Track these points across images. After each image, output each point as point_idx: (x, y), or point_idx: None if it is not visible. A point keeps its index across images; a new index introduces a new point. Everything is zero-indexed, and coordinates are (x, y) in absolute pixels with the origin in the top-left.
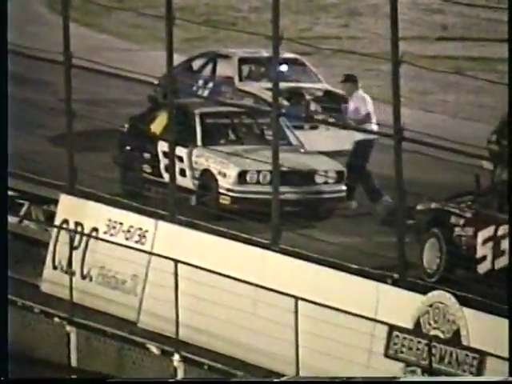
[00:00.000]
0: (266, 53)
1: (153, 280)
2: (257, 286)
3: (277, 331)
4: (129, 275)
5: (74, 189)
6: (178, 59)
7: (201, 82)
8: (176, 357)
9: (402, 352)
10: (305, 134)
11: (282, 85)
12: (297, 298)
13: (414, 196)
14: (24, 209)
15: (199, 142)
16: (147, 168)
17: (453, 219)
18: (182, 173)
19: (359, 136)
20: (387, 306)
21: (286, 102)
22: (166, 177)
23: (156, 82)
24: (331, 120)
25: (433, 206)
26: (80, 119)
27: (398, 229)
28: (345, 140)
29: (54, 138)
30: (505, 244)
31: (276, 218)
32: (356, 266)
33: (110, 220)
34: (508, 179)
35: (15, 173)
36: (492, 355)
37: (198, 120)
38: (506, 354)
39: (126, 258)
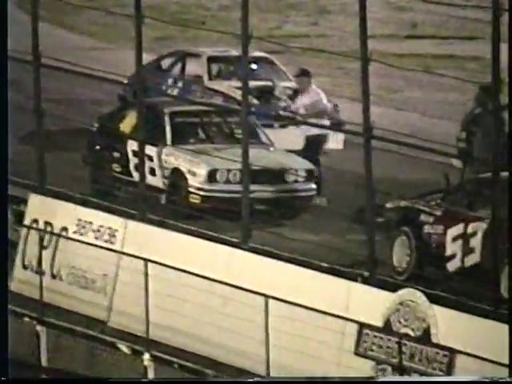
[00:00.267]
0: (235, 51)
1: (123, 279)
2: (227, 284)
3: (247, 330)
4: (99, 274)
5: (43, 188)
6: (147, 58)
7: (170, 81)
8: (146, 356)
9: (372, 350)
10: (275, 133)
11: (252, 83)
12: (267, 297)
13: (384, 194)
14: None
15: (169, 141)
16: (117, 167)
17: (422, 217)
18: (152, 172)
19: (313, 131)
20: (357, 304)
21: (255, 101)
22: (136, 176)
23: (125, 81)
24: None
25: (402, 203)
26: (49, 118)
27: (368, 227)
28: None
29: (22, 137)
30: (474, 241)
31: (246, 216)
32: (326, 264)
33: (79, 219)
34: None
35: None
36: (462, 353)
37: (167, 119)
38: (475, 352)
39: (96, 258)
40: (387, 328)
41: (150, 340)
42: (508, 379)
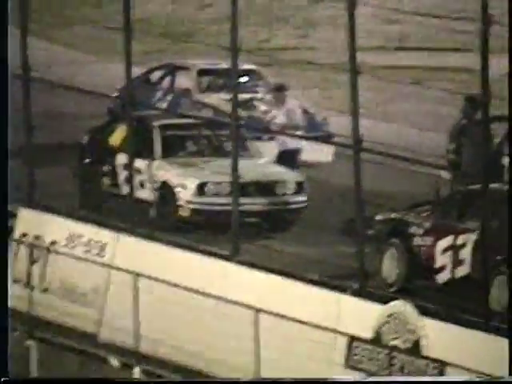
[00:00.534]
0: (224, 64)
1: (113, 293)
2: (217, 298)
3: (237, 343)
4: (89, 288)
5: (32, 202)
6: (136, 71)
7: (159, 94)
8: (136, 370)
9: (362, 362)
10: (264, 145)
11: (241, 96)
12: (257, 310)
13: (374, 206)
14: None
15: (158, 155)
16: (106, 180)
17: (412, 229)
18: (142, 185)
19: (288, 145)
20: (347, 316)
21: (244, 114)
22: (126, 189)
23: (115, 94)
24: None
25: (392, 216)
26: (39, 132)
27: (358, 239)
28: (305, 151)
29: (13, 153)
30: (464, 253)
31: (236, 229)
32: (316, 277)
33: (69, 233)
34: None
35: None
36: (452, 365)
37: (156, 132)
38: (466, 363)
39: (86, 271)
40: (377, 340)
41: (141, 354)
42: (508, 379)
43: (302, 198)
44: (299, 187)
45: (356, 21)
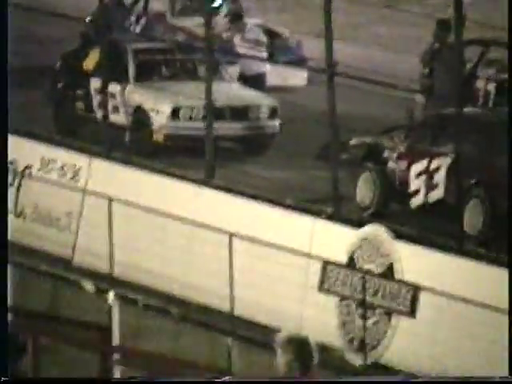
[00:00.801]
0: None
1: (87, 217)
2: (192, 222)
3: (212, 267)
4: (63, 213)
5: (6, 127)
6: None
7: (133, 18)
8: (110, 295)
9: (336, 286)
10: (237, 69)
11: (215, 20)
12: (231, 234)
13: (348, 131)
14: None
15: (132, 79)
16: (80, 105)
17: (386, 153)
18: (116, 110)
19: (253, 69)
20: (322, 240)
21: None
22: (99, 113)
23: (88, 18)
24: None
25: (366, 140)
26: (12, 56)
27: (332, 163)
28: (279, 75)
29: None
30: (438, 177)
31: (210, 154)
32: (291, 201)
33: (43, 158)
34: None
35: None
36: (426, 289)
37: (130, 56)
38: (439, 287)
39: (60, 196)
40: (351, 264)
41: (115, 278)
42: (508, 379)
43: (275, 122)
44: (273, 112)
45: None
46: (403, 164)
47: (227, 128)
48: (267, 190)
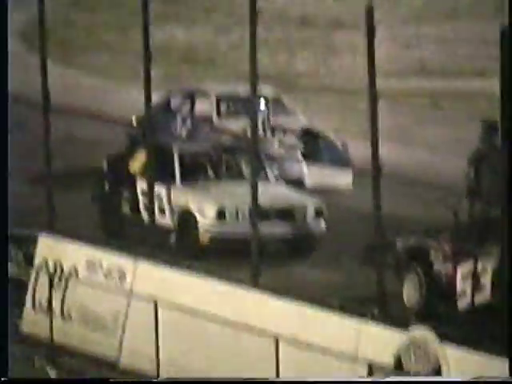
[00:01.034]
0: (243, 90)
1: (133, 320)
2: (236, 324)
3: (258, 372)
4: (109, 315)
5: (53, 229)
6: (156, 96)
7: (179, 120)
8: None
9: None
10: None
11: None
12: (277, 338)
13: (393, 231)
14: None
15: (178, 181)
16: (126, 206)
17: (432, 254)
18: (162, 211)
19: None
20: (368, 342)
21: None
22: (145, 215)
23: (135, 120)
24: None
25: (412, 241)
26: (59, 159)
27: (377, 265)
28: (324, 177)
29: (32, 179)
30: (484, 279)
31: (255, 255)
32: (336, 303)
33: (89, 260)
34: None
35: None
36: None
37: (176, 158)
38: None
39: (106, 298)
40: (398, 367)
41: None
42: (508, 379)
43: (321, 223)
44: (318, 213)
45: (375, 46)
46: (449, 265)
47: (273, 229)
48: (313, 291)
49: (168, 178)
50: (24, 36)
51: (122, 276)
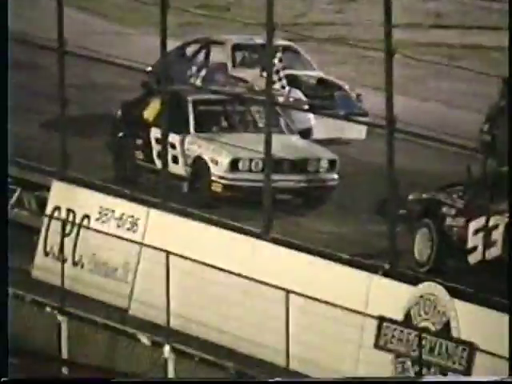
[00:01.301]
0: (259, 39)
1: (144, 268)
2: (247, 278)
3: (267, 322)
4: (120, 263)
5: (66, 175)
6: (171, 44)
7: (194, 69)
8: (166, 348)
9: (391, 343)
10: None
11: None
12: (287, 291)
13: (406, 185)
14: (16, 195)
15: (192, 129)
16: (140, 154)
17: (444, 209)
18: (175, 160)
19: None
20: (378, 296)
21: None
22: (159, 163)
23: (149, 68)
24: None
25: (424, 195)
26: (72, 104)
27: (389, 219)
28: (337, 128)
29: (44, 123)
30: (496, 234)
31: (268, 206)
32: (347, 256)
33: (101, 207)
34: (509, 174)
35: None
36: (481, 349)
37: (190, 107)
38: (494, 346)
39: (118, 246)
40: (407, 321)
41: (170, 330)
42: (508, 379)
43: (334, 175)
44: (332, 165)
45: None
46: (461, 220)
47: (286, 180)
48: (323, 244)
49: (182, 127)
50: None
51: (135, 224)
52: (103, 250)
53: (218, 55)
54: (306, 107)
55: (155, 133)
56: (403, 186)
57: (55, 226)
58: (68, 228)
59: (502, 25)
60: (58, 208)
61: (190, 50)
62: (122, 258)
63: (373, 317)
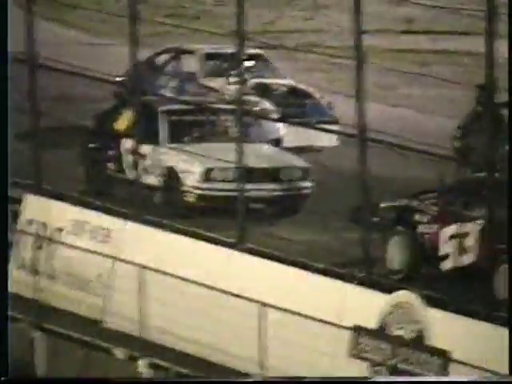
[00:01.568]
0: (229, 48)
1: (118, 280)
2: (222, 288)
3: (242, 334)
4: (94, 276)
5: (38, 188)
6: (142, 54)
7: (165, 79)
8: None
9: (366, 352)
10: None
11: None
12: (263, 304)
13: (379, 192)
14: None
15: (163, 140)
16: (112, 166)
17: (417, 216)
18: (147, 171)
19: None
20: (353, 305)
21: (252, 98)
22: (130, 174)
23: (120, 78)
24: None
25: (397, 203)
26: (45, 116)
27: (363, 227)
28: (309, 136)
29: (17, 135)
30: (468, 241)
31: (242, 216)
32: (321, 265)
33: (75, 219)
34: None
35: None
36: (454, 358)
37: (162, 117)
38: (468, 354)
39: (91, 258)
40: (382, 330)
41: (146, 342)
42: (508, 379)
43: (307, 183)
44: (305, 173)
45: (362, 3)
46: (434, 227)
47: (259, 189)
48: (298, 253)
49: (153, 138)
50: None
51: (108, 236)
52: (77, 262)
53: (188, 64)
54: (276, 117)
55: (127, 144)
56: (377, 194)
57: (28, 239)
58: (41, 242)
59: (473, 30)
60: (30, 221)
61: (160, 60)
62: (95, 271)
63: (347, 327)
